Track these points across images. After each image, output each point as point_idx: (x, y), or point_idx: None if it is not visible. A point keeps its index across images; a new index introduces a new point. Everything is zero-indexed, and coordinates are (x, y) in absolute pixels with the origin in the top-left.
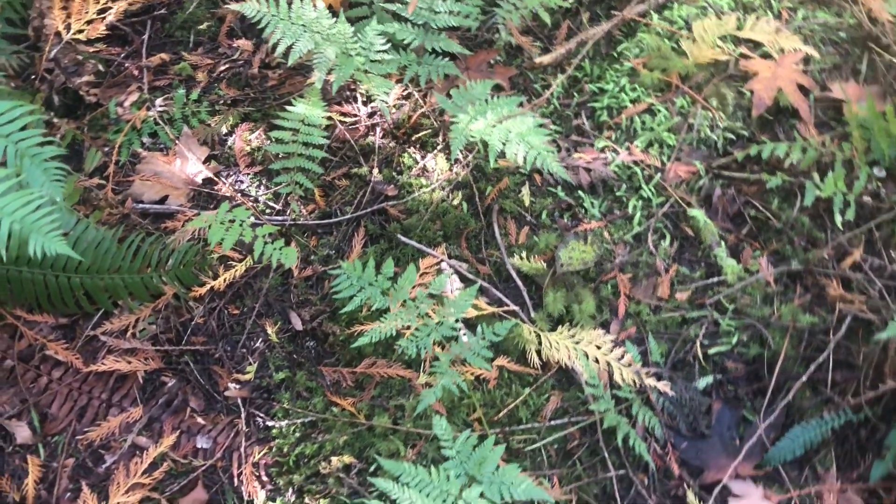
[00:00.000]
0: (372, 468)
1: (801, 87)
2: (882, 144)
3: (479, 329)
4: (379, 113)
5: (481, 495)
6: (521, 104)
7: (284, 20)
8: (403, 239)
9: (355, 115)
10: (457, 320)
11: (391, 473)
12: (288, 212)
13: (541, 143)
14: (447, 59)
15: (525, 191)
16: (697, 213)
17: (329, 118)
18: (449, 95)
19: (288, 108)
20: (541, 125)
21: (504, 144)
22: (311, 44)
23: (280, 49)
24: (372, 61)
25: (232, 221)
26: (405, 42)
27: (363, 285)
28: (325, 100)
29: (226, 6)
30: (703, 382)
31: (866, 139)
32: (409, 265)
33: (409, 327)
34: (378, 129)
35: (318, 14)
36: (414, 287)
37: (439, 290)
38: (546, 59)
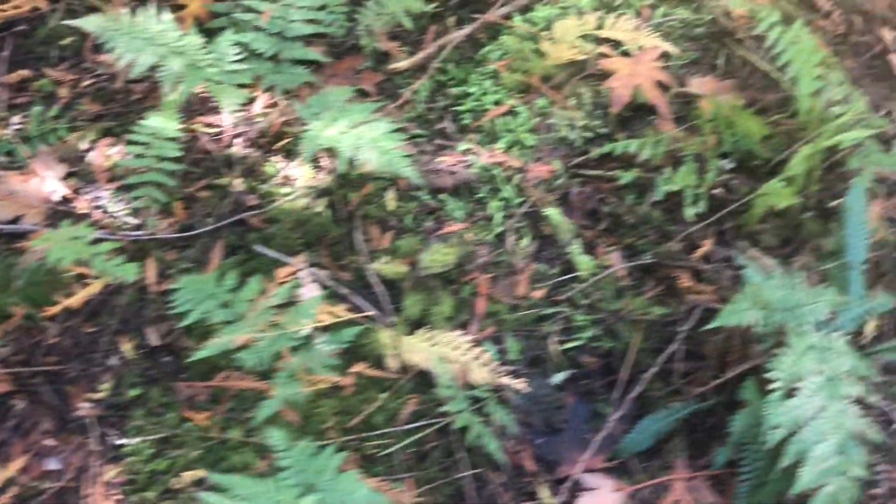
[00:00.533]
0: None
1: (660, 84)
2: (731, 137)
3: (324, 337)
4: (243, 122)
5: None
6: (377, 109)
7: (127, 34)
8: (261, 249)
9: (219, 126)
10: (315, 329)
11: (222, 486)
12: (146, 226)
13: (394, 147)
14: (304, 67)
15: (390, 195)
16: (553, 212)
17: (192, 130)
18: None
19: (141, 121)
20: (395, 130)
21: (356, 150)
22: (154, 57)
23: (122, 63)
24: (226, 72)
25: (74, 238)
26: (260, 51)
27: (202, 298)
28: (190, 111)
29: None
30: (558, 378)
31: (718, 133)
32: (255, 276)
33: (254, 338)
34: (241, 139)
35: (164, 26)
36: (262, 297)
37: (284, 299)
38: (403, 64)
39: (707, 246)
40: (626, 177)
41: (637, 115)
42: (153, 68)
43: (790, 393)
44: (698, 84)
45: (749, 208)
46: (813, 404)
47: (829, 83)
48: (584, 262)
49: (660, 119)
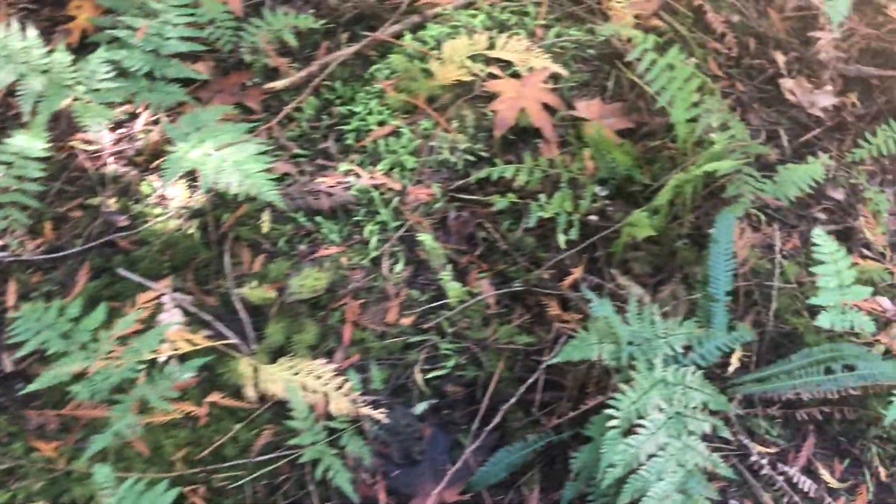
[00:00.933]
0: None
1: (547, 106)
2: (609, 163)
3: (177, 366)
4: (125, 140)
5: None
6: (250, 130)
7: None
8: (125, 273)
9: (99, 144)
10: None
11: None
12: (9, 248)
13: (259, 170)
14: (180, 85)
15: (265, 217)
16: (426, 238)
17: (70, 147)
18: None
19: (4, 140)
20: (264, 152)
21: (218, 173)
22: (13, 75)
23: None
24: (94, 90)
25: None
26: (133, 69)
27: (41, 328)
28: (71, 129)
29: None
30: (421, 408)
31: (597, 158)
32: (100, 305)
33: (92, 369)
34: (119, 157)
35: (28, 43)
36: (109, 326)
37: (131, 327)
38: (280, 83)
39: (577, 274)
40: (502, 202)
41: (522, 138)
42: (10, 85)
43: (631, 430)
44: (584, 107)
45: (618, 236)
46: (654, 441)
47: (707, 109)
48: (453, 289)
49: (544, 143)
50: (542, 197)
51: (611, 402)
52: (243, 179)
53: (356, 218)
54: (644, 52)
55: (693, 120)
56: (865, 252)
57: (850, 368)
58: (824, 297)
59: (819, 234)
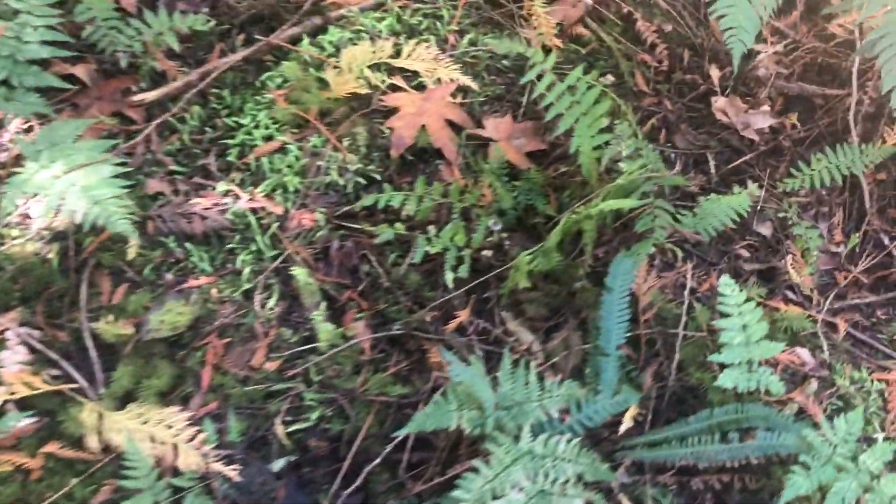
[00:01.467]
0: None
1: (452, 124)
2: (509, 191)
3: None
4: None
5: None
6: (111, 148)
7: None
8: None
9: None
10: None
11: None
12: None
13: (111, 196)
14: (38, 95)
15: (132, 242)
16: (299, 272)
17: None
18: None
19: None
20: (118, 175)
21: (63, 199)
22: None
23: None
24: None
25: None
26: None
27: None
28: None
29: None
30: (279, 464)
31: (497, 185)
32: None
33: None
34: None
35: None
36: None
37: None
38: (151, 95)
39: (463, 317)
40: (387, 233)
41: (422, 158)
42: None
43: None
44: (493, 126)
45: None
46: None
47: (617, 136)
48: (325, 331)
49: (445, 166)
50: (432, 229)
51: (460, 482)
52: (91, 207)
53: (230, 245)
54: (541, 73)
55: (601, 147)
56: (789, 295)
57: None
58: (728, 355)
59: (726, 283)
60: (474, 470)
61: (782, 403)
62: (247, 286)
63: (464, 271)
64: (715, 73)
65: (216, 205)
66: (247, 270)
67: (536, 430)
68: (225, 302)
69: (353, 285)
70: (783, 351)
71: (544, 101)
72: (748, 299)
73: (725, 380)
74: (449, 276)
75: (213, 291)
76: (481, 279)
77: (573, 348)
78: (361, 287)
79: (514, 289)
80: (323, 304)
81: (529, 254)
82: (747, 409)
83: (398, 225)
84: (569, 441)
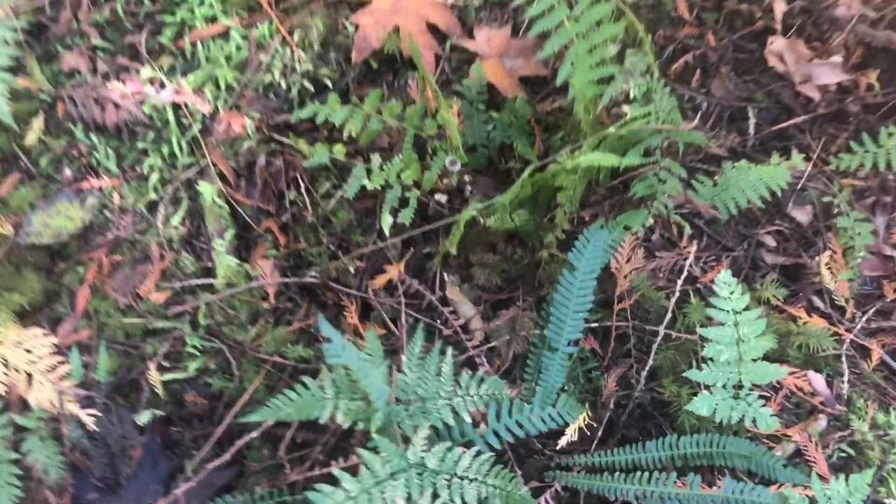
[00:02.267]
0: None
1: (434, 29)
2: (482, 122)
3: None
4: None
5: None
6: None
7: None
8: None
9: None
10: None
11: None
12: None
13: None
14: None
15: (36, 124)
16: (206, 187)
17: None
18: None
19: None
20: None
21: None
22: None
23: None
24: None
25: None
26: None
27: None
28: None
29: None
30: (146, 416)
31: (469, 115)
32: None
33: None
34: None
35: None
36: None
37: None
38: None
39: (394, 273)
40: (320, 156)
41: (391, 67)
42: None
43: None
44: (485, 38)
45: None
46: None
47: (626, 70)
48: (225, 266)
49: (415, 81)
50: (377, 158)
51: (312, 494)
52: None
53: (143, 144)
54: None
55: (602, 82)
56: (815, 302)
57: (732, 473)
58: (710, 373)
59: (724, 281)
60: (334, 480)
61: (775, 440)
62: (153, 196)
63: (406, 217)
64: (779, 5)
65: (136, 93)
66: (155, 177)
67: (443, 435)
68: (125, 212)
69: (274, 214)
70: (791, 373)
71: (530, 10)
72: (747, 308)
73: (700, 405)
74: (386, 221)
75: (115, 197)
76: (426, 229)
77: (520, 332)
78: (283, 218)
79: (466, 246)
80: (230, 232)
81: (485, 207)
82: (726, 442)
83: (338, 148)
84: (477, 455)
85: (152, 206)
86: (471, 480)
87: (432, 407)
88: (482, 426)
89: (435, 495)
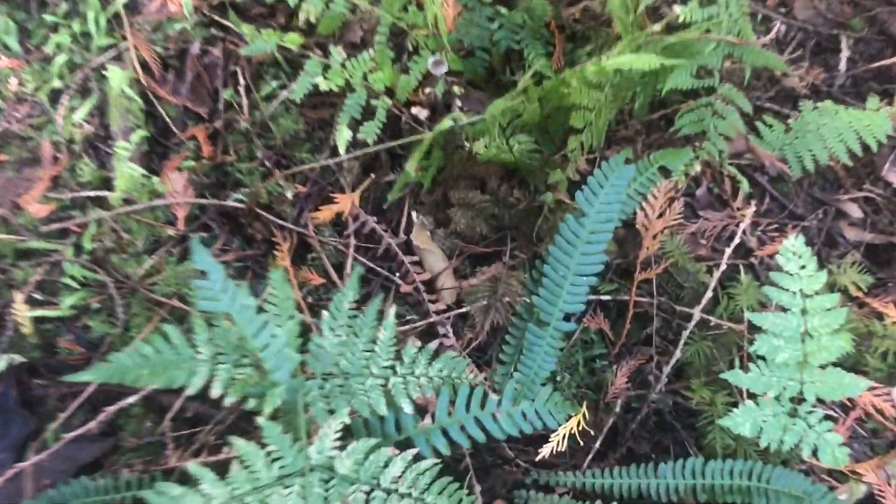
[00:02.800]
0: None
1: None
2: (484, 18)
3: None
4: None
5: None
6: None
7: None
8: None
9: None
10: None
11: None
12: None
13: None
14: None
15: None
16: (116, 73)
17: None
18: None
19: None
20: None
21: None
22: None
23: None
24: None
25: None
26: None
27: None
28: None
29: None
30: (2, 362)
31: (471, 8)
32: None
33: None
34: None
35: None
36: None
37: None
38: None
39: (346, 205)
40: (263, 42)
41: None
42: None
43: None
44: None
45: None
46: None
47: None
48: (126, 177)
49: None
50: (339, 52)
51: (148, 493)
52: None
53: (52, 18)
54: None
55: None
56: None
57: None
58: (757, 377)
59: (791, 249)
60: (185, 480)
61: (839, 478)
62: (57, 83)
63: (370, 132)
64: None
65: None
66: (62, 60)
67: (373, 429)
68: (22, 101)
69: (205, 119)
70: (871, 389)
71: None
72: (821, 291)
73: (741, 420)
74: (343, 134)
75: (11, 81)
76: (393, 148)
77: (503, 298)
78: (216, 124)
79: (447, 180)
80: (139, 134)
81: (472, 123)
82: (771, 474)
83: (291, 37)
84: (414, 461)
85: (55, 96)
86: (401, 496)
87: (358, 387)
88: (427, 420)
89: None
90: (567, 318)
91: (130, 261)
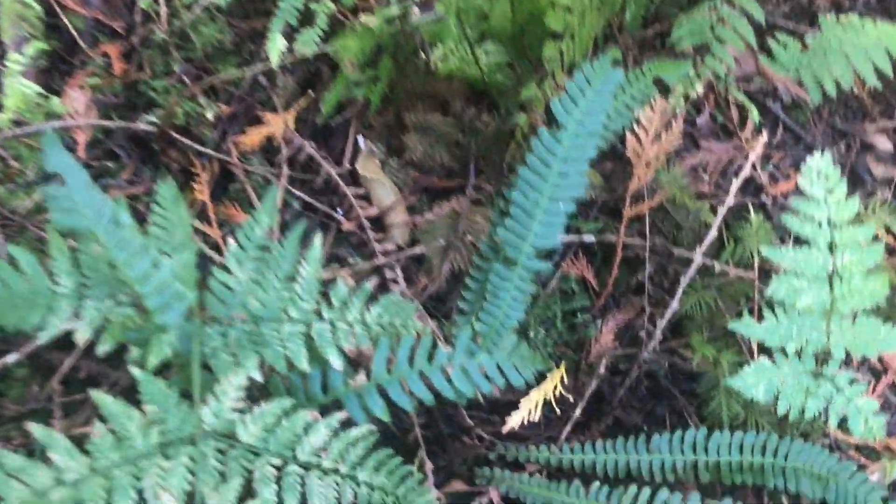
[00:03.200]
0: None
1: None
2: None
3: None
4: None
5: None
6: None
7: None
8: None
9: None
10: None
11: None
12: None
13: None
14: None
15: None
16: None
17: None
18: None
19: None
20: None
21: None
22: None
23: None
24: None
25: None
26: None
27: None
28: None
29: None
30: None
31: None
32: None
33: None
34: None
35: None
36: None
37: None
38: None
39: (277, 127)
40: None
41: None
42: None
43: None
44: None
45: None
46: None
47: None
48: (18, 95)
49: None
50: None
51: None
52: None
53: None
54: None
55: None
56: None
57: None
58: (773, 328)
59: (818, 170)
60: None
61: (871, 455)
62: None
63: (308, 42)
64: None
65: None
66: None
67: (294, 386)
68: None
69: (122, 36)
70: None
71: None
72: (854, 216)
73: (752, 381)
74: (275, 43)
75: None
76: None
77: (465, 237)
78: (132, 40)
79: (400, 100)
80: (35, 46)
81: (431, 23)
82: (788, 448)
83: None
84: (343, 428)
85: None
86: (325, 472)
87: (272, 334)
88: (362, 377)
89: (249, 493)
90: (539, 255)
91: (18, 192)
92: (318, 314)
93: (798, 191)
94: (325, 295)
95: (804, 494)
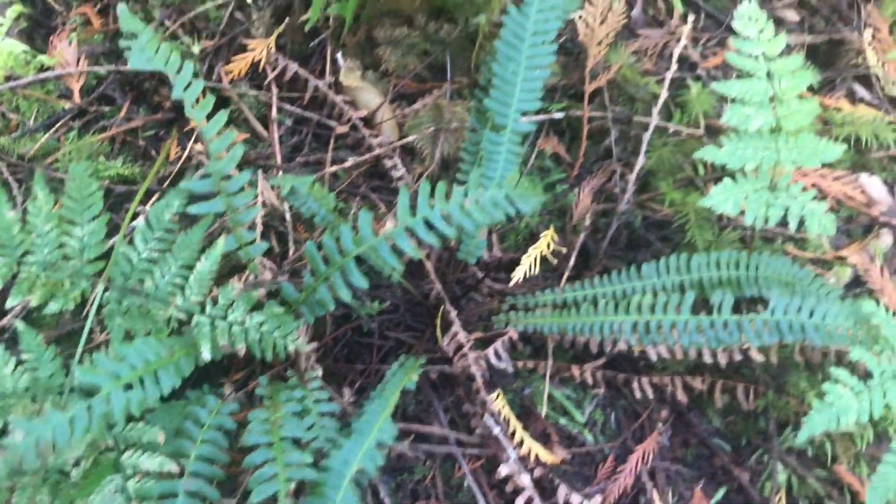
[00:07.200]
0: None
1: None
2: None
3: None
4: None
5: None
6: None
7: None
8: None
9: None
10: None
11: None
12: None
13: None
14: None
15: None
16: None
17: None
18: None
19: None
20: None
21: None
22: None
23: None
24: None
25: None
26: None
27: None
28: None
29: None
30: None
31: None
32: None
33: None
34: None
35: None
36: None
37: None
38: None
39: (259, 51)
40: None
41: None
42: None
43: None
44: None
45: None
46: None
47: None
48: (6, 53)
49: None
50: None
51: None
52: None
53: None
54: None
55: None
56: (858, 91)
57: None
58: (732, 150)
59: (748, 14)
60: None
61: (824, 264)
62: None
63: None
64: None
65: None
66: None
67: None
68: None
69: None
70: (837, 178)
71: None
72: (784, 49)
73: (722, 198)
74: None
75: None
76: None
77: (450, 124)
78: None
79: (369, 19)
80: (16, 9)
81: None
82: (758, 261)
83: None
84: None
85: None
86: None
87: (159, 314)
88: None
89: None
90: (524, 116)
91: (23, 140)
92: (202, 307)
93: (727, 65)
94: (213, 292)
95: (772, 298)
